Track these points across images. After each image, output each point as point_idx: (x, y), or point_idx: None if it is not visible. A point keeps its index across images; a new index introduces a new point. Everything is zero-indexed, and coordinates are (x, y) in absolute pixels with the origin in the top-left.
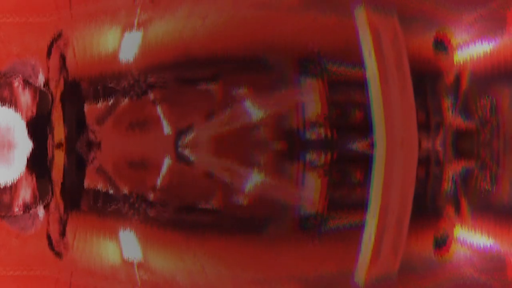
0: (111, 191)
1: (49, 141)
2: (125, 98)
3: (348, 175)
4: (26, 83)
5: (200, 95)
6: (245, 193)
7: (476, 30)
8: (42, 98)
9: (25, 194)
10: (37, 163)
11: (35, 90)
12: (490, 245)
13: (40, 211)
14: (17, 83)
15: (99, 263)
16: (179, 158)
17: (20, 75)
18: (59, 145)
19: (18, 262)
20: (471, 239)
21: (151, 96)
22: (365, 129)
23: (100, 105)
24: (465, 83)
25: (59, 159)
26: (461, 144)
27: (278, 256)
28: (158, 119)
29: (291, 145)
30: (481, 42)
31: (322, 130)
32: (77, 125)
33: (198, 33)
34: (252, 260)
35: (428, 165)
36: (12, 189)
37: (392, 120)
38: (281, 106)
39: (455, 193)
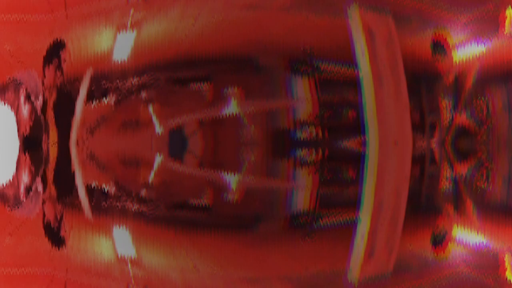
0: (104, 189)
1: (44, 139)
2: (118, 97)
3: (340, 173)
4: (28, 98)
5: (192, 95)
6: (236, 191)
7: (471, 31)
8: (36, 122)
9: (25, 178)
10: (30, 145)
11: (32, 111)
12: (484, 243)
13: (39, 185)
14: (22, 92)
15: (93, 260)
16: (171, 156)
17: (26, 87)
18: (53, 144)
19: (12, 260)
20: (465, 237)
21: (143, 95)
22: (357, 127)
23: (94, 104)
24: (466, 83)
25: (53, 157)
26: (460, 143)
27: (269, 254)
28: (150, 118)
29: (281, 144)
30: (476, 43)
31: (313, 129)
32: (70, 124)
33: (190, 33)
34: (243, 258)
35: (423, 164)
36: (14, 181)
37: (385, 119)
38: (272, 106)
39: (455, 192)
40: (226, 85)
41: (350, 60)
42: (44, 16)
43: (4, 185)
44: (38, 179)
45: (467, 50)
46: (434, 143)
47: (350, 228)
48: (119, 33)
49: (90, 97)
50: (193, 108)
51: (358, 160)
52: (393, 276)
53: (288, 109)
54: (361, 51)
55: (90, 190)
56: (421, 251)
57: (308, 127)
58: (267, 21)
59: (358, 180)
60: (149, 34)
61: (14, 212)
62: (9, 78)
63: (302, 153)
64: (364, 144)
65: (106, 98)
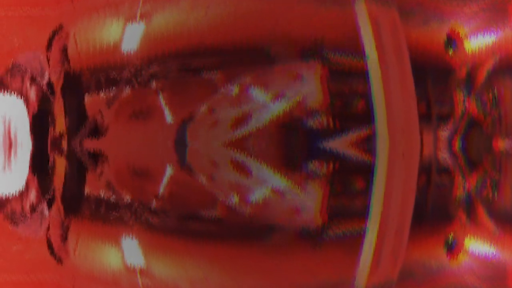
0: (112, 197)
1: (50, 134)
2: (127, 89)
3: (349, 183)
4: (33, 80)
5: (203, 86)
6: (247, 201)
7: (479, 22)
8: (44, 98)
9: (31, 195)
10: (38, 162)
11: (39, 89)
12: (493, 252)
13: (45, 208)
14: (26, 77)
15: (102, 270)
16: (181, 166)
17: (29, 70)
18: (60, 137)
19: (19, 267)
20: (474, 246)
21: (153, 86)
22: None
23: (102, 96)
24: (478, 77)
25: (60, 163)
26: (470, 143)
27: (279, 264)
28: (161, 111)
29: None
30: (483, 34)
31: (324, 121)
32: (78, 116)
33: (200, 24)
34: (253, 269)
35: (430, 173)
36: (23, 195)
37: (394, 116)
38: (283, 98)
39: (468, 200)
40: (238, 76)
41: (359, 50)
42: (52, 10)
43: (11, 196)
44: (45, 204)
45: (476, 42)
46: (444, 150)
47: (359, 237)
48: (128, 23)
49: (98, 89)
50: (203, 101)
51: (367, 169)
52: (398, 284)
53: (299, 100)
54: (368, 41)
55: (98, 198)
56: (431, 259)
57: (320, 118)
58: (278, 12)
59: (367, 190)
60: (159, 24)
61: (19, 227)
62: (13, 65)
63: (313, 163)
64: (374, 154)
65: (114, 90)
